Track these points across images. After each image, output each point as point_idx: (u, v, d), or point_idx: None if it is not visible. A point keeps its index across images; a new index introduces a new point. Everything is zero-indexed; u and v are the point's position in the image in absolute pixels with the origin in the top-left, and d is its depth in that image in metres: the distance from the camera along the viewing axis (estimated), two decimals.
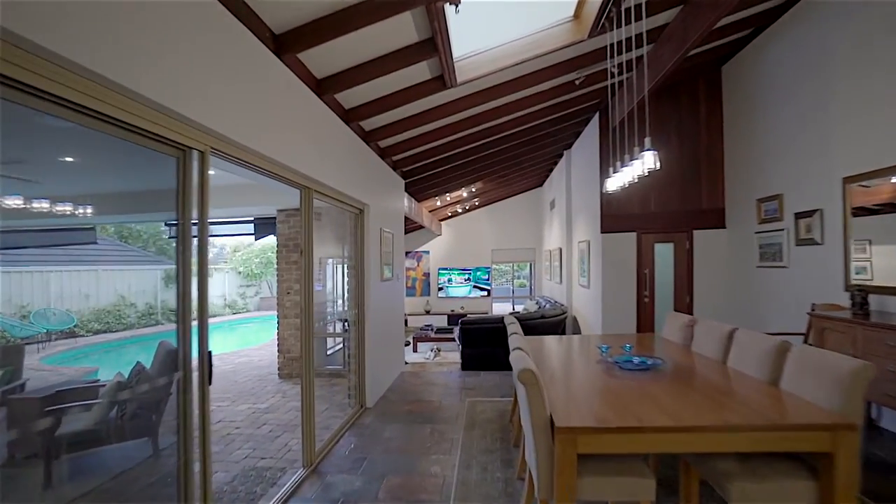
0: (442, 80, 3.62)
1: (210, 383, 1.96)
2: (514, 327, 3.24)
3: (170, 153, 1.84)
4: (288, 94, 2.74)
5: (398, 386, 5.32)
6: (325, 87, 3.18)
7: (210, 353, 1.97)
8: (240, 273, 16.55)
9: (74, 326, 10.59)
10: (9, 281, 10.06)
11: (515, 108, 4.79)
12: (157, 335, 12.08)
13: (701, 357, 2.92)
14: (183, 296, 1.90)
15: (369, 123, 4.21)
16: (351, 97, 3.60)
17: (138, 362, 3.94)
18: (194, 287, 1.95)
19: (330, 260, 6.46)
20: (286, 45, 2.56)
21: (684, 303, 5.77)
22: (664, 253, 5.84)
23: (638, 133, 2.79)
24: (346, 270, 4.70)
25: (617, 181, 3.08)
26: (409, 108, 4.03)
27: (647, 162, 2.52)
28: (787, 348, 2.21)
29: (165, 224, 6.99)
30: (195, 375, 1.96)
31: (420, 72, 3.52)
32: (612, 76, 4.27)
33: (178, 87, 1.76)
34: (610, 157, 5.80)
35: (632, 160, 2.70)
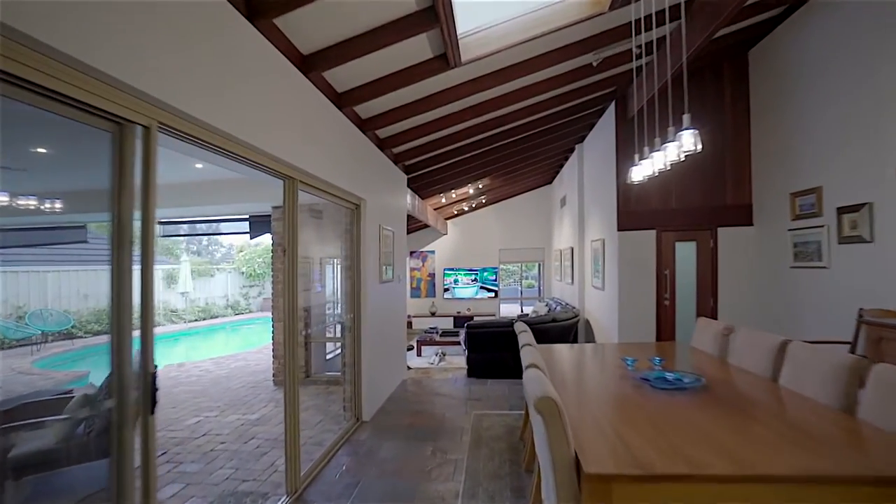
0: (445, 58, 3.24)
1: (153, 412, 1.59)
2: (525, 336, 2.84)
3: (101, 126, 1.48)
4: (264, 66, 2.38)
5: (399, 395, 4.95)
6: (311, 64, 2.81)
7: (154, 374, 1.60)
8: (242, 273, 16.31)
9: (72, 327, 10.36)
10: (4, 281, 9.84)
11: (526, 94, 4.39)
12: (157, 337, 11.80)
13: (743, 373, 2.51)
14: (119, 307, 1.54)
15: (365, 110, 3.85)
16: (343, 78, 3.23)
17: (112, 372, 3.60)
18: (136, 293, 1.59)
19: (334, 260, 6.13)
20: (260, 8, 2.20)
21: (708, 306, 5.34)
22: (686, 252, 5.41)
23: (673, 113, 2.39)
24: (342, 272, 4.34)
25: (645, 169, 2.68)
26: (409, 91, 3.66)
27: (685, 143, 2.12)
28: (866, 367, 1.80)
29: (158, 222, 6.66)
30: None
31: (420, 49, 3.14)
32: (637, 58, 3.86)
33: (115, 49, 1.40)
34: (632, 147, 5.38)
35: (665, 143, 2.30)
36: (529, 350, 2.31)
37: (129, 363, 1.56)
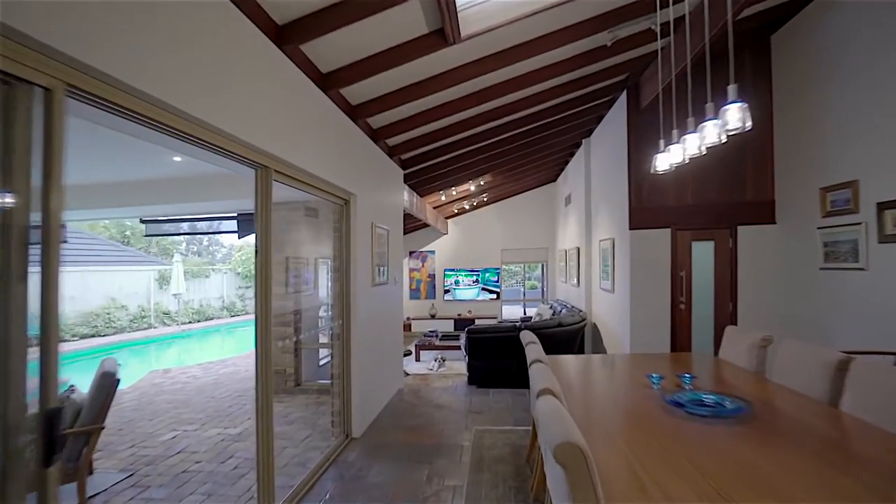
0: (442, 34, 2.88)
1: (51, 464, 1.21)
2: (534, 350, 2.46)
3: None
4: (226, 31, 2.01)
5: (394, 407, 4.57)
6: (288, 35, 2.45)
7: (58, 409, 1.23)
8: (238, 274, 15.96)
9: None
10: None
11: (532, 80, 4.02)
12: (148, 340, 11.48)
13: (792, 394, 2.13)
14: (6, 323, 1.17)
15: (355, 95, 3.48)
16: (326, 55, 2.87)
17: (71, 386, 3.25)
18: (34, 303, 1.22)
19: (328, 261, 5.78)
20: None
21: (726, 311, 4.96)
22: (703, 253, 5.03)
23: (711, 89, 2.05)
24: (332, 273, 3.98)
25: (674, 156, 2.30)
26: (403, 73, 3.29)
27: (730, 120, 1.74)
28: None
29: (141, 221, 6.33)
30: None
31: (415, 22, 2.78)
32: (661, 35, 3.49)
33: None
34: (645, 139, 5.00)
35: (703, 122, 1.93)
36: (541, 369, 1.93)
37: (22, 396, 1.19)
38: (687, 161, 2.22)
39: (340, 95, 3.34)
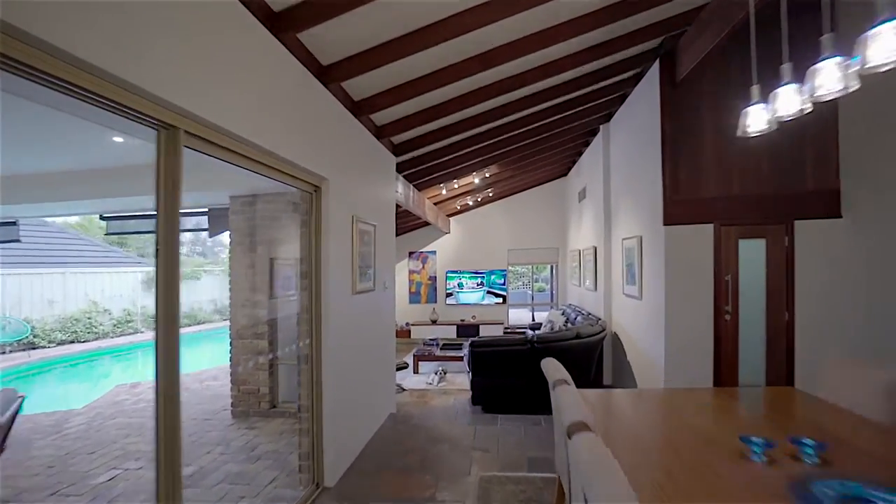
0: None
1: None
2: (569, 399, 1.64)
3: None
4: None
5: (382, 441, 3.78)
6: None
7: None
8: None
9: (34, 336, 9.32)
10: None
11: (546, 39, 3.23)
12: (133, 346, 10.76)
13: None
14: None
15: (324, 48, 2.70)
16: None
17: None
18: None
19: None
20: None
21: (781, 322, 4.13)
22: (752, 252, 4.20)
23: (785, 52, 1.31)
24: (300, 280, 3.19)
25: (785, 105, 1.50)
26: (386, 17, 2.51)
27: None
28: None
29: (101, 217, 5.60)
30: None
31: None
32: None
33: None
34: (682, 117, 4.19)
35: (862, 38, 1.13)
36: (595, 449, 1.12)
37: None
38: (810, 110, 1.42)
39: (302, 46, 2.56)
